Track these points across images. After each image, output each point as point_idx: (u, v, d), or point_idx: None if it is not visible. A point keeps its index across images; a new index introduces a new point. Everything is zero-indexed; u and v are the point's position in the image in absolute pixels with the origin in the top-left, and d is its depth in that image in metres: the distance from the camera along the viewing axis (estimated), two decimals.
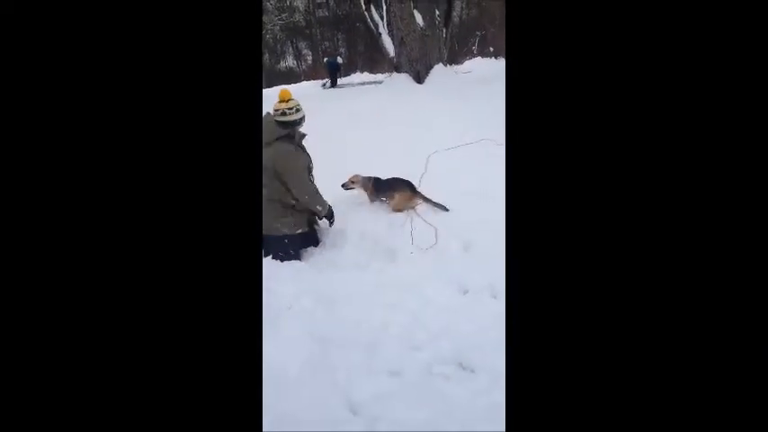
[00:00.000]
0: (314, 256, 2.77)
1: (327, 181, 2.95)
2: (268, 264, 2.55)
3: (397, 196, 2.97)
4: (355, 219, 2.92)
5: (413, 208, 2.95)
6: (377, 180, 3.08)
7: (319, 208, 2.75)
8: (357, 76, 16.81)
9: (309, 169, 2.78)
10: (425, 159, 3.59)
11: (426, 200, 2.95)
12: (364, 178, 3.09)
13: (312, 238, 2.84)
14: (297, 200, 2.67)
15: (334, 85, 14.92)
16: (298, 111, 2.68)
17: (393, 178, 3.05)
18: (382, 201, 3.05)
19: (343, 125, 6.33)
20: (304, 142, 2.83)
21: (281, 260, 2.61)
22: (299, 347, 1.82)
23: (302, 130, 2.80)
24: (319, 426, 1.46)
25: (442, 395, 1.57)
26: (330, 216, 2.84)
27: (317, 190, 2.76)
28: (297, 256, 2.70)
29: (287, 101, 2.66)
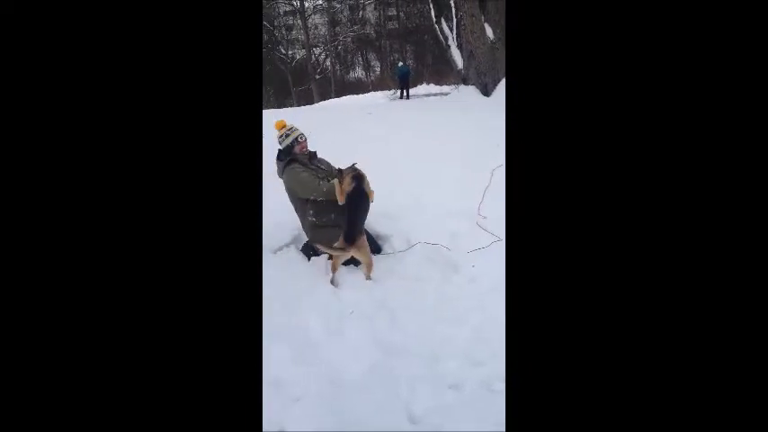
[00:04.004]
0: (375, 263, 2.81)
1: (385, 189, 2.97)
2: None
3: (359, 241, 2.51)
4: (417, 228, 2.94)
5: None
6: (358, 191, 2.57)
7: (336, 193, 2.71)
8: (423, 88, 16.92)
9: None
10: (490, 173, 3.56)
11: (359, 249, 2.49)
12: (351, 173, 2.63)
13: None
14: (318, 200, 2.74)
15: (405, 95, 14.43)
16: (287, 136, 2.87)
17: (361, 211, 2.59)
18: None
19: (408, 135, 6.38)
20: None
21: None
22: (362, 353, 1.87)
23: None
24: None
25: (501, 412, 1.54)
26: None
27: (321, 184, 2.74)
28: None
29: (279, 129, 2.91)
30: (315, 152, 3.02)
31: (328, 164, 3.05)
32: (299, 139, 2.86)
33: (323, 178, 2.83)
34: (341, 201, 2.58)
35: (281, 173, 2.86)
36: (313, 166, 2.90)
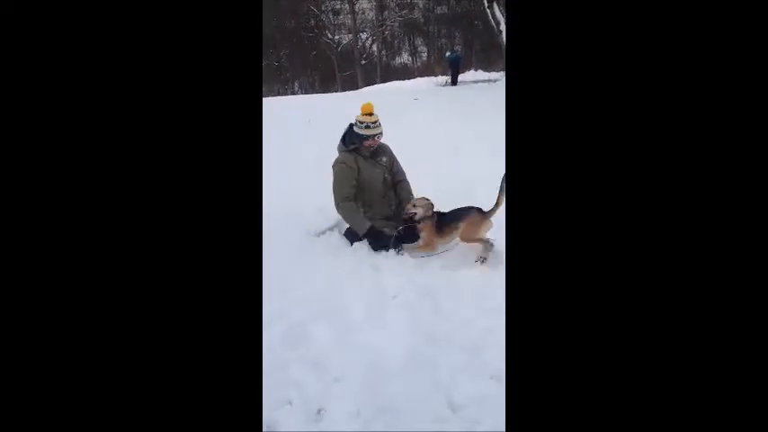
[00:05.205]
0: (419, 250, 2.79)
1: (432, 177, 2.94)
2: (376, 256, 2.66)
3: (463, 225, 2.61)
4: None
5: (486, 234, 2.61)
6: (440, 215, 2.70)
7: (352, 225, 2.80)
8: (471, 74, 16.62)
9: (385, 180, 2.91)
10: None
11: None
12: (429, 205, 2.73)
13: (409, 236, 2.85)
14: (366, 196, 2.85)
15: (454, 82, 14.47)
16: (367, 128, 2.78)
17: (457, 209, 2.69)
18: (445, 241, 2.70)
19: (455, 123, 6.29)
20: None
21: (374, 249, 2.73)
22: (403, 339, 1.86)
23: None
24: (419, 420, 1.48)
25: None
26: (368, 236, 2.75)
27: (354, 209, 2.80)
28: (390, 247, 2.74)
29: (369, 114, 2.78)
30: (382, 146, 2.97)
31: (390, 153, 3.01)
32: (376, 138, 2.82)
33: (382, 173, 2.88)
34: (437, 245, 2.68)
35: (340, 152, 2.88)
36: (372, 161, 2.89)
